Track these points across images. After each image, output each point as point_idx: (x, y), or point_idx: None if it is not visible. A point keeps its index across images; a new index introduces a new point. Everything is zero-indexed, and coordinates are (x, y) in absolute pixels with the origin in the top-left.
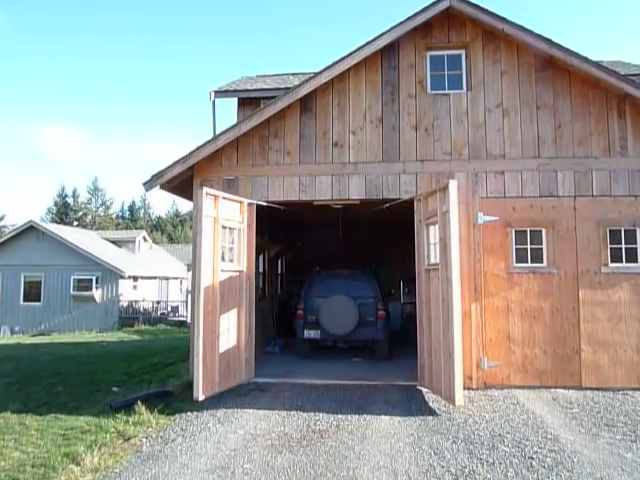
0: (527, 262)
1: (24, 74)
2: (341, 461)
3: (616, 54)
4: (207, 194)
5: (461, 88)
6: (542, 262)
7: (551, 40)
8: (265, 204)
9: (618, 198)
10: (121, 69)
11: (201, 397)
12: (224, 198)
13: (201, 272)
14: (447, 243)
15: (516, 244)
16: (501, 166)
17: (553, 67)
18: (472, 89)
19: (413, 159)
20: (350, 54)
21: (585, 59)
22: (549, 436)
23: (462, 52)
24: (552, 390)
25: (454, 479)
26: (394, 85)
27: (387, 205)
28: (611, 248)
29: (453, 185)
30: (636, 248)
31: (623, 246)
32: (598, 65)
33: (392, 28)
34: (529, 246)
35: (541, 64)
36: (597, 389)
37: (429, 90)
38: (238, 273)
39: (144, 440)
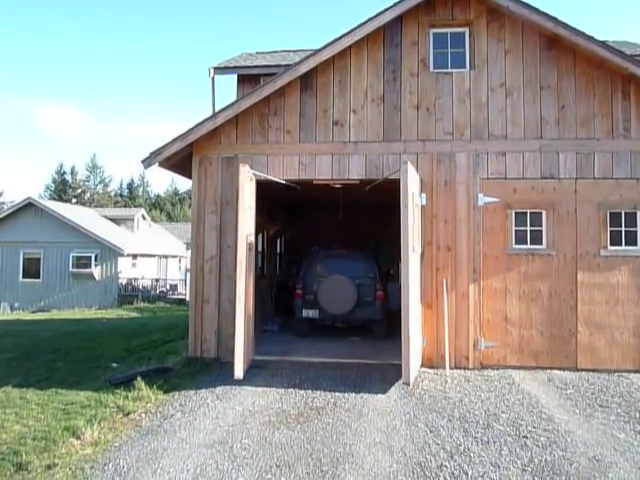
0: (526, 244)
1: (22, 51)
2: (338, 438)
3: (621, 34)
4: (248, 171)
5: (464, 67)
6: (541, 244)
7: (557, 19)
8: (283, 181)
9: (619, 181)
10: (120, 47)
11: (240, 375)
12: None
13: (242, 251)
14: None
15: (516, 226)
16: (503, 147)
17: (558, 47)
18: (475, 68)
19: (414, 139)
20: (352, 31)
21: (591, 38)
22: (544, 416)
23: (466, 30)
24: (548, 371)
25: (449, 456)
26: (396, 63)
27: (373, 184)
28: (611, 231)
29: (406, 165)
30: (636, 231)
31: (623, 229)
32: (604, 45)
33: (395, 4)
34: (529, 228)
35: (546, 43)
36: (592, 370)
37: (431, 68)
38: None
39: (143, 415)
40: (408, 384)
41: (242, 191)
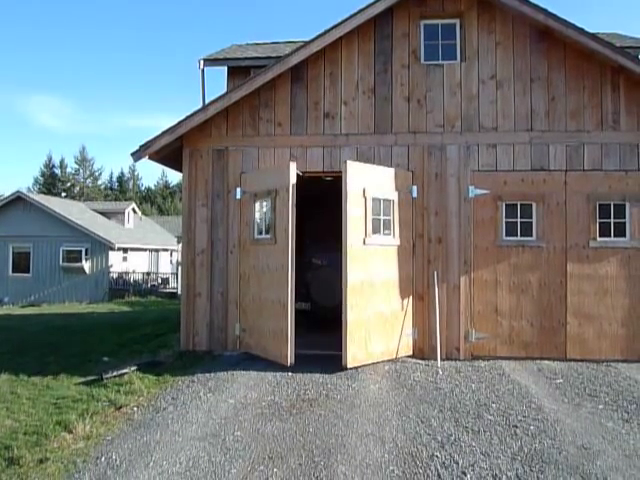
0: (516, 236)
1: (10, 42)
2: (330, 429)
3: (612, 26)
4: (295, 169)
5: (455, 59)
6: (531, 236)
7: (547, 11)
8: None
9: (609, 172)
10: (110, 38)
11: (293, 362)
12: None
13: (293, 247)
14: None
15: (506, 218)
16: (493, 139)
17: (548, 39)
18: (466, 60)
19: (405, 131)
20: (342, 22)
21: (581, 31)
22: (533, 405)
23: (457, 21)
24: (537, 361)
25: (440, 446)
26: (387, 55)
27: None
28: (600, 222)
29: (345, 165)
30: (625, 223)
31: (612, 220)
32: (594, 37)
33: None
34: (519, 220)
35: (536, 35)
36: (581, 360)
37: (422, 60)
38: None
39: (135, 409)
40: (346, 368)
41: (291, 189)
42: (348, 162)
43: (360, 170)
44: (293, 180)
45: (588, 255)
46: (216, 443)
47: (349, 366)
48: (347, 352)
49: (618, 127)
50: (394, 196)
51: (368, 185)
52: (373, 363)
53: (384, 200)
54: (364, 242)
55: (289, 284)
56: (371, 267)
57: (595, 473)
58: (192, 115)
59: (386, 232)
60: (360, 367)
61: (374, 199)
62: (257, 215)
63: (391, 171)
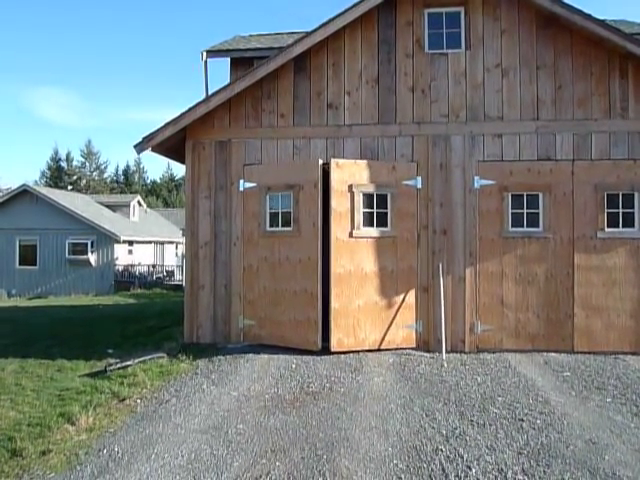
0: (523, 227)
1: (16, 35)
2: (333, 422)
3: (620, 13)
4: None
5: (460, 47)
6: (538, 227)
7: None
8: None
9: (617, 161)
10: (115, 31)
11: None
12: None
13: (320, 240)
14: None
15: (512, 208)
16: (499, 128)
17: (555, 25)
18: (471, 48)
19: (409, 121)
20: (346, 11)
21: (588, 17)
22: (540, 398)
23: (461, 9)
24: (544, 354)
25: (445, 440)
26: (391, 44)
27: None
28: (608, 213)
29: (330, 164)
30: (633, 213)
31: (620, 211)
32: (602, 23)
33: None
34: (525, 210)
35: (542, 22)
36: (589, 353)
37: (427, 49)
38: None
39: (138, 401)
40: (331, 352)
41: (320, 184)
42: (333, 160)
43: (348, 167)
44: (320, 176)
45: (596, 246)
46: (218, 436)
47: (333, 350)
48: (332, 337)
49: (627, 115)
50: (391, 189)
51: (357, 180)
52: (366, 350)
53: (378, 193)
54: (351, 235)
55: (318, 274)
56: (361, 258)
57: (603, 468)
58: (195, 107)
59: (381, 224)
60: (348, 353)
61: (365, 193)
62: (269, 208)
63: (387, 164)
